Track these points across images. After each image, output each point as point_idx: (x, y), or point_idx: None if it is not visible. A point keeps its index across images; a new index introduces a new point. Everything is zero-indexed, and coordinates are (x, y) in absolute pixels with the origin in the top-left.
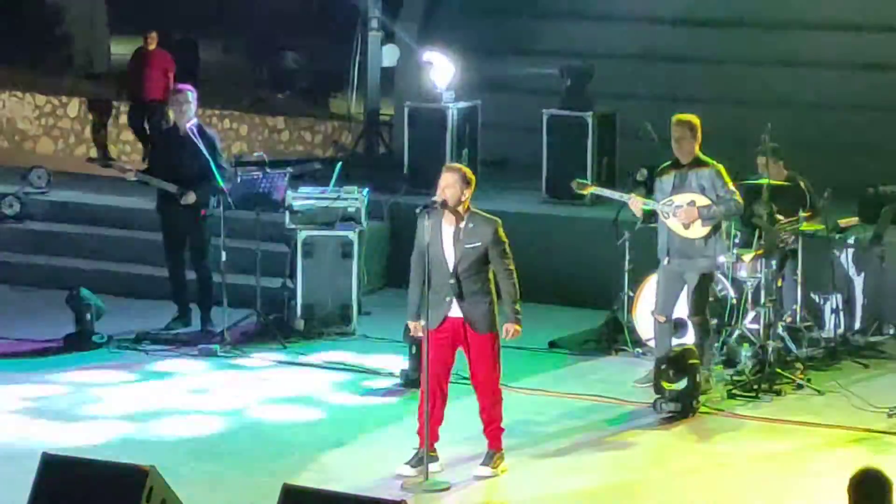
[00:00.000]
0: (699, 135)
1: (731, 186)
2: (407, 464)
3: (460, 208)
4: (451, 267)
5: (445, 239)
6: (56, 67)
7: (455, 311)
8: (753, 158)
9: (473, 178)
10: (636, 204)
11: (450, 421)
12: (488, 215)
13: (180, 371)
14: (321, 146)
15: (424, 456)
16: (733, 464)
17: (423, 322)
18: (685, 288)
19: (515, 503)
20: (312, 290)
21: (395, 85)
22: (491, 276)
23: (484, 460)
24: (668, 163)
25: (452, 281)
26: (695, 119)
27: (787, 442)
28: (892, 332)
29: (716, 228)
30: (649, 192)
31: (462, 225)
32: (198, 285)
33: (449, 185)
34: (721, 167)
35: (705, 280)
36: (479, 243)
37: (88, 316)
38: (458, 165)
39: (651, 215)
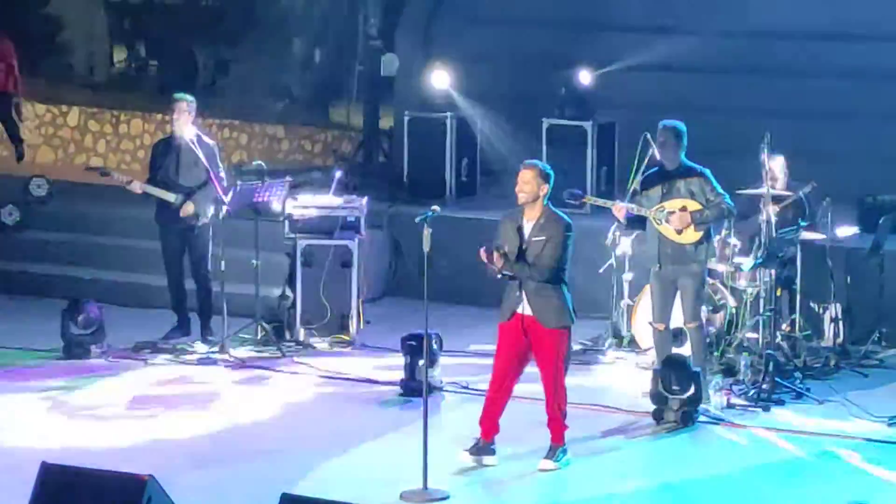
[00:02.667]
0: (685, 141)
1: (720, 189)
2: (466, 450)
3: (537, 203)
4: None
5: (525, 233)
6: (56, 76)
7: (525, 308)
8: (754, 167)
9: (552, 173)
10: (619, 210)
11: (458, 424)
12: (563, 216)
13: (179, 380)
14: (321, 155)
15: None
16: (732, 473)
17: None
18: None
19: None
20: (311, 299)
21: (394, 94)
22: (562, 275)
23: (548, 454)
24: (654, 169)
25: None
26: (680, 125)
27: (786, 451)
28: (891, 341)
29: (707, 233)
30: None
31: (536, 220)
32: (197, 294)
33: (526, 181)
34: (708, 171)
35: (699, 285)
36: (544, 238)
37: (88, 325)
38: (535, 162)
39: (635, 221)
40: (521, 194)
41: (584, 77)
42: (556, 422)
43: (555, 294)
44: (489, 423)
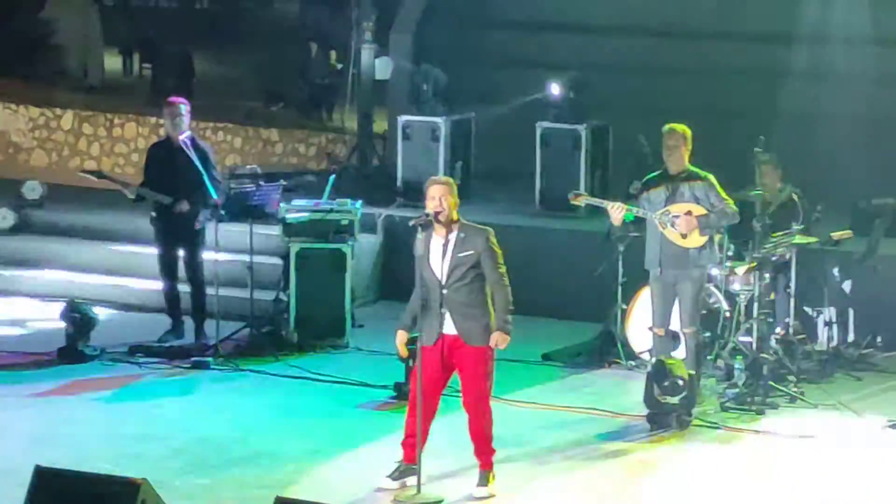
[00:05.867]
0: (690, 145)
1: (724, 195)
2: (389, 476)
3: (452, 219)
4: (443, 279)
5: (434, 251)
6: (50, 80)
7: (449, 327)
8: (747, 170)
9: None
10: (616, 212)
11: (439, 434)
12: (479, 225)
13: (173, 383)
14: (315, 159)
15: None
16: (726, 477)
17: (418, 337)
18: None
19: None
20: (305, 303)
21: (388, 98)
22: (487, 289)
23: (479, 481)
24: (658, 173)
25: (445, 291)
26: (687, 129)
27: (779, 455)
28: (884, 344)
29: (710, 238)
30: None
31: (453, 236)
32: (192, 298)
33: (443, 195)
34: (713, 177)
35: (698, 290)
36: (472, 252)
37: (82, 328)
38: (444, 178)
39: (630, 224)
40: (441, 211)
41: (555, 89)
42: (483, 446)
43: (481, 312)
44: (411, 448)
